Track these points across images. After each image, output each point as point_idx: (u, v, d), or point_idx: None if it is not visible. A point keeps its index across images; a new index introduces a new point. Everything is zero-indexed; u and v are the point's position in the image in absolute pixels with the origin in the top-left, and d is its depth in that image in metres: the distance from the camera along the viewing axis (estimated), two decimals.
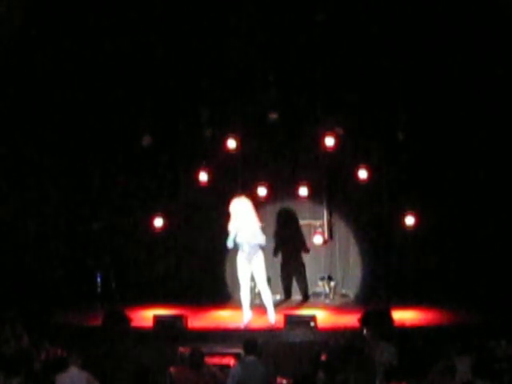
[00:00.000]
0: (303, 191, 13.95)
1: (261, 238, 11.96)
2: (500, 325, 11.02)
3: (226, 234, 12.19)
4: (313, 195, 14.16)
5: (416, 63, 13.35)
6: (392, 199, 13.83)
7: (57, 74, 13.58)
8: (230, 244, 12.04)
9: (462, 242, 13.57)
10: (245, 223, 11.88)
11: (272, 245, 13.88)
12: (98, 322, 12.07)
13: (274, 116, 13.71)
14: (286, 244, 14.20)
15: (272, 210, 14.23)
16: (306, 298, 14.27)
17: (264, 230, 12.20)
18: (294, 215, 14.34)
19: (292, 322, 11.87)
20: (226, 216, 12.50)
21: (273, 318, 12.12)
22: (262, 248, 12.10)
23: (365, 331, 10.14)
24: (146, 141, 13.92)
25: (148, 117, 13.89)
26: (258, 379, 8.84)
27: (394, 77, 13.41)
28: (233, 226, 11.94)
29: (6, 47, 13.10)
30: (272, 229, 13.94)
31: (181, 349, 10.29)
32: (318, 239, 14.02)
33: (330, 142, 13.72)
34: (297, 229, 14.35)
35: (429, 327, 12.02)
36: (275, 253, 14.01)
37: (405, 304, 13.04)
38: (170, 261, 14.53)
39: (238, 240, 11.92)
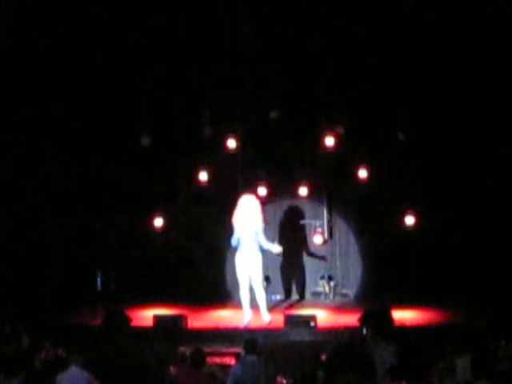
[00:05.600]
0: (303, 191, 13.97)
1: (266, 244, 12.03)
2: (500, 325, 11.01)
3: (225, 233, 12.18)
4: (313, 195, 14.18)
5: (417, 63, 13.34)
6: (392, 199, 13.84)
7: (56, 72, 13.58)
8: (234, 242, 12.07)
9: (461, 242, 13.56)
10: (248, 221, 11.90)
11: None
12: (97, 322, 12.05)
13: (274, 115, 13.71)
14: (288, 243, 14.20)
15: (272, 210, 14.24)
16: (302, 297, 14.30)
17: (264, 229, 12.22)
18: (296, 214, 14.35)
19: (292, 321, 11.88)
20: (226, 216, 12.52)
21: (266, 317, 12.17)
22: (262, 249, 12.11)
23: (365, 331, 10.12)
24: (146, 141, 13.95)
25: (148, 116, 13.89)
26: (257, 379, 8.84)
27: (394, 77, 13.42)
28: (238, 224, 11.95)
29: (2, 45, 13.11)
30: (271, 229, 13.94)
31: (181, 349, 10.30)
32: (318, 239, 14.03)
33: (330, 141, 13.75)
34: (298, 228, 14.36)
35: (429, 327, 12.03)
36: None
37: (405, 304, 13.04)
38: (170, 261, 14.53)
39: (240, 238, 11.94)
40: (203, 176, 14.02)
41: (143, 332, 11.89)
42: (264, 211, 12.64)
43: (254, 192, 13.24)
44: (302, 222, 14.38)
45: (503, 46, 12.98)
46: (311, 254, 14.32)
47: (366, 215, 14.23)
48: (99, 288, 14.15)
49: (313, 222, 14.34)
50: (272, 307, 12.98)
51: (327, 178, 14.30)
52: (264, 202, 13.56)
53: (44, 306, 12.97)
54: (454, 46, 13.21)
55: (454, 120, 13.49)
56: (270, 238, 12.45)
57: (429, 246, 13.77)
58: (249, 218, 11.96)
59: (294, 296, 14.35)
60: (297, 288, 14.36)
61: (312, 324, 11.76)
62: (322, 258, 14.27)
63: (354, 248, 14.44)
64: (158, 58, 13.78)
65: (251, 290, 12.38)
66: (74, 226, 14.26)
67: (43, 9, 13.26)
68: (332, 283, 14.18)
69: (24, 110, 13.56)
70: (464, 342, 9.14)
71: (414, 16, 13.16)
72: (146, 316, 12.57)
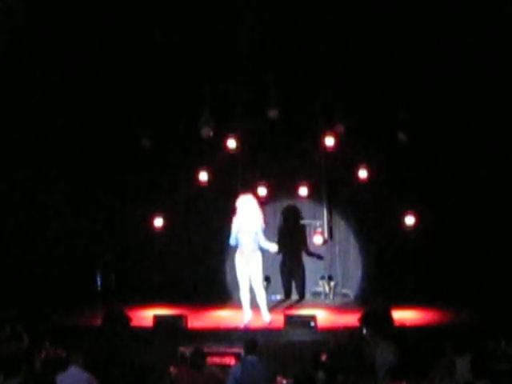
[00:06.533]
0: (303, 191, 13.98)
1: (265, 244, 12.02)
2: (500, 325, 11.02)
3: (226, 233, 12.18)
4: (313, 195, 14.18)
5: (417, 63, 13.34)
6: (392, 199, 13.83)
7: (56, 73, 13.57)
8: (232, 242, 12.06)
9: (461, 242, 13.57)
10: (247, 222, 11.90)
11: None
12: (97, 322, 12.07)
13: (273, 114, 13.70)
14: (287, 243, 14.20)
15: (272, 210, 14.24)
16: (301, 297, 14.29)
17: (263, 229, 12.21)
18: (295, 214, 14.35)
19: (292, 321, 11.88)
20: (225, 216, 12.52)
21: (267, 317, 12.17)
22: (261, 249, 12.10)
23: (365, 331, 10.13)
24: (146, 141, 13.97)
25: (148, 117, 13.89)
26: (257, 379, 8.84)
27: (394, 77, 13.42)
28: (235, 224, 11.95)
29: (4, 48, 13.10)
30: (271, 229, 13.94)
31: (181, 349, 10.30)
32: (318, 239, 14.03)
33: (330, 141, 13.76)
34: (298, 228, 14.36)
35: (429, 327, 12.02)
36: (278, 250, 14.01)
37: (405, 304, 13.04)
38: (170, 261, 14.53)
39: (240, 238, 11.94)
40: (203, 176, 14.02)
41: (143, 332, 11.91)
42: (264, 211, 12.63)
43: (254, 192, 13.24)
44: (302, 221, 14.38)
45: (505, 46, 12.97)
46: (310, 254, 14.32)
47: (365, 215, 14.23)
48: (99, 288, 14.16)
49: (313, 221, 14.35)
50: (272, 307, 12.97)
51: (327, 178, 14.30)
52: (264, 202, 13.57)
53: (44, 306, 12.96)
54: (456, 45, 13.20)
55: (454, 120, 13.49)
56: (269, 238, 12.45)
57: (429, 246, 13.78)
58: (248, 219, 11.94)
59: (294, 296, 14.34)
60: (297, 288, 14.36)
61: (312, 324, 11.75)
62: (320, 257, 14.26)
63: (354, 248, 14.44)
64: (158, 58, 13.77)
65: (251, 290, 12.37)
66: (74, 225, 14.25)
67: (46, 11, 13.25)
68: (332, 283, 14.18)
69: (25, 110, 13.54)
70: (464, 342, 9.15)
71: (415, 15, 13.16)
72: (146, 316, 12.56)
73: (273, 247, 12.20)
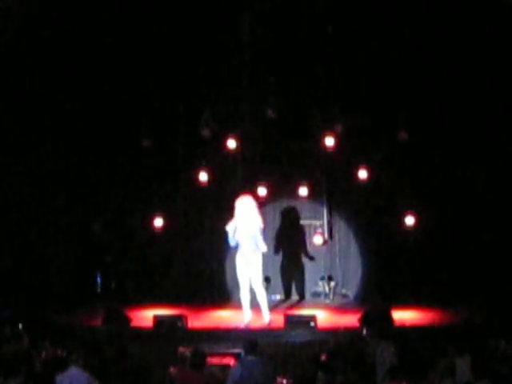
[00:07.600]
0: (303, 191, 13.97)
1: (261, 244, 11.99)
2: (500, 325, 11.01)
3: (226, 233, 12.19)
4: (313, 195, 14.18)
5: (416, 63, 13.35)
6: (392, 199, 13.83)
7: (57, 73, 13.57)
8: (232, 243, 12.05)
9: (461, 242, 13.57)
10: (246, 223, 11.89)
11: (272, 244, 13.89)
12: (97, 322, 12.07)
13: (271, 114, 13.70)
14: (287, 243, 14.20)
15: (272, 210, 14.24)
16: (301, 297, 14.29)
17: (263, 229, 12.20)
18: (295, 215, 14.34)
19: (292, 321, 11.89)
20: (225, 216, 12.51)
21: (267, 317, 12.18)
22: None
23: (365, 331, 10.14)
24: (146, 141, 13.97)
25: (148, 117, 13.89)
26: (257, 379, 8.83)
27: (394, 76, 13.42)
28: (232, 225, 11.94)
29: (4, 48, 13.10)
30: (271, 229, 13.94)
31: (181, 349, 10.29)
32: (317, 239, 14.03)
33: (329, 141, 13.75)
34: (297, 228, 14.36)
35: (429, 327, 12.02)
36: (276, 251, 14.00)
37: (405, 304, 13.04)
38: (170, 261, 14.53)
39: (239, 240, 11.93)
40: (203, 176, 14.01)
41: (143, 332, 11.91)
42: (264, 211, 12.62)
43: (254, 192, 13.24)
44: (301, 222, 14.38)
45: (505, 45, 12.97)
46: (305, 255, 14.30)
47: (365, 215, 14.22)
48: (99, 288, 14.16)
49: (313, 222, 14.34)
50: (272, 307, 12.97)
51: (327, 178, 14.29)
52: (264, 202, 13.57)
53: (44, 306, 12.96)
54: (455, 45, 13.20)
55: (454, 119, 13.49)
56: (269, 239, 12.44)
57: (429, 246, 13.77)
58: (246, 220, 11.93)
59: (294, 296, 14.34)
60: (297, 288, 14.36)
61: (312, 324, 11.76)
62: (311, 258, 14.24)
63: (354, 248, 14.43)
64: (158, 58, 13.77)
65: (251, 290, 12.37)
66: (75, 226, 14.25)
67: (46, 11, 13.25)
68: (332, 283, 14.18)
69: (26, 110, 13.55)
70: (464, 342, 9.15)
71: (415, 14, 13.16)
72: (146, 316, 12.57)
73: (263, 247, 12.15)
